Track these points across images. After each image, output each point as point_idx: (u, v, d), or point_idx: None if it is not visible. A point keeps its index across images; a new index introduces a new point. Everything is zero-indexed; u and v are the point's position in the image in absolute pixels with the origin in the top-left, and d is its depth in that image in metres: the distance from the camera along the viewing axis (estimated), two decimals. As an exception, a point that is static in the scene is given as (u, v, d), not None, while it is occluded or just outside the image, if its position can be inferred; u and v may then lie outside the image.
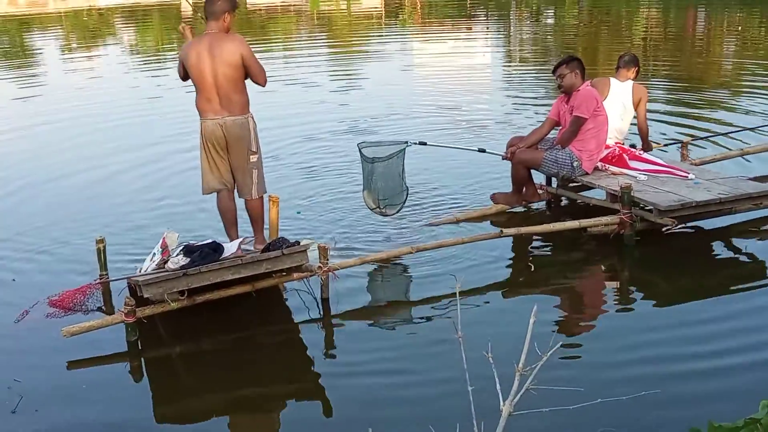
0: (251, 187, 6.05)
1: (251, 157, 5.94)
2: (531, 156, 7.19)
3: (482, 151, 7.41)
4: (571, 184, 7.46)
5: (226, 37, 5.84)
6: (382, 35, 23.35)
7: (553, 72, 7.26)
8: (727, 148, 8.95)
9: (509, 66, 17.36)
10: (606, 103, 7.35)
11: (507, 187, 7.56)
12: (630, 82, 7.67)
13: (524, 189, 7.41)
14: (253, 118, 5.96)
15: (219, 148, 5.98)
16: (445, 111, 11.87)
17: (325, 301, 5.75)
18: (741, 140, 9.35)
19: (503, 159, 7.34)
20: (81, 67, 18.42)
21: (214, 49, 5.81)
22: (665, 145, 8.58)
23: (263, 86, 5.96)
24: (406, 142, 7.02)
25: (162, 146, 10.33)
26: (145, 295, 5.26)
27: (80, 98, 14.14)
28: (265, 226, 6.30)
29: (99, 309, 5.74)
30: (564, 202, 7.72)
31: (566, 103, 7.20)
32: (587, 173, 7.15)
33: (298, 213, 7.42)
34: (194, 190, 7.15)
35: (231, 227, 6.26)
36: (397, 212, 7.01)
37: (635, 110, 7.71)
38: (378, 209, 6.99)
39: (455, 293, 5.34)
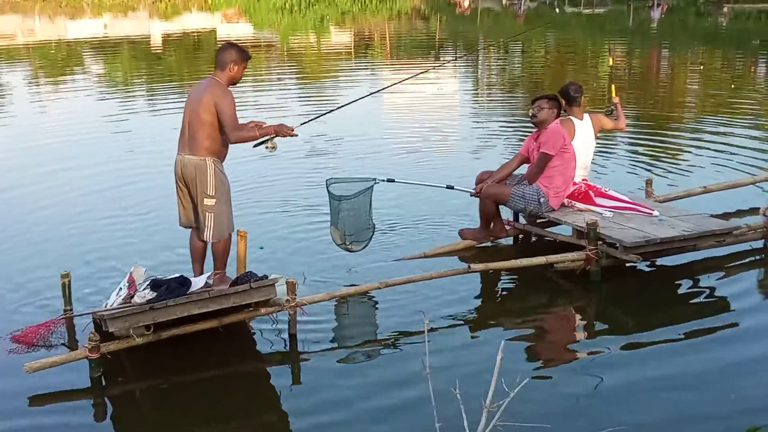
0: (205, 231, 5.94)
1: (206, 200, 5.84)
2: (499, 191, 7.25)
3: (450, 188, 7.47)
4: (538, 220, 7.51)
5: (215, 85, 5.87)
6: (351, 70, 23.50)
7: (533, 102, 7.34)
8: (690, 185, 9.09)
9: (477, 101, 17.56)
10: (574, 142, 7.44)
11: (475, 222, 7.60)
12: (587, 116, 7.79)
13: (492, 224, 7.44)
14: (215, 163, 5.82)
15: (181, 184, 5.99)
16: (413, 146, 11.94)
17: (293, 336, 5.73)
18: (705, 177, 9.51)
19: (472, 195, 7.39)
20: (48, 98, 18.30)
21: (200, 91, 5.89)
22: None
23: (231, 141, 5.85)
24: (374, 180, 7.05)
25: (132, 181, 10.26)
26: (110, 330, 5.21)
27: (47, 131, 14.01)
28: (229, 262, 6.28)
29: (63, 344, 5.67)
30: (532, 238, 7.77)
31: (535, 140, 7.29)
32: (554, 209, 7.21)
33: (261, 248, 7.39)
34: (164, 225, 7.15)
35: (195, 263, 6.20)
36: (363, 248, 7.02)
37: (596, 138, 7.84)
38: (344, 245, 7.00)
39: (424, 329, 5.34)
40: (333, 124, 12.53)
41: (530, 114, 7.34)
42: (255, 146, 6.07)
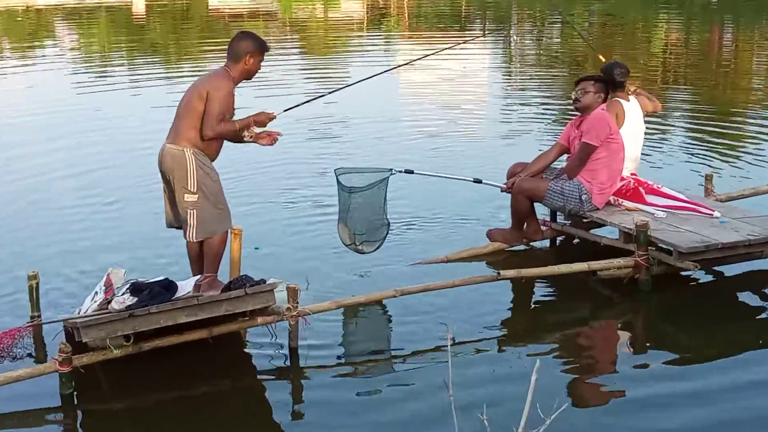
0: (187, 230, 6.02)
1: (186, 195, 5.92)
2: (534, 186, 7.24)
3: (478, 181, 7.46)
4: (579, 221, 7.50)
5: (221, 76, 6.00)
6: (363, 45, 23.52)
7: (576, 84, 7.33)
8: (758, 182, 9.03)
9: (510, 82, 17.53)
10: (623, 130, 7.42)
11: (505, 222, 7.58)
12: (633, 98, 7.77)
13: (525, 225, 7.44)
14: (197, 155, 5.90)
15: (163, 177, 6.10)
16: (434, 132, 11.94)
17: (294, 351, 5.73)
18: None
19: (503, 191, 7.38)
20: (14, 72, 18.40)
21: (203, 79, 6.06)
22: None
23: (205, 135, 5.92)
24: (390, 170, 7.05)
25: (111, 167, 10.30)
26: (84, 340, 5.22)
27: (13, 108, 14.10)
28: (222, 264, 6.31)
29: (29, 356, 5.68)
30: (572, 241, 7.75)
31: (577, 127, 7.27)
32: (597, 208, 7.19)
33: (257, 248, 7.40)
34: (148, 219, 7.16)
35: (193, 263, 6.25)
36: (375, 250, 7.02)
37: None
38: (353, 245, 7.00)
39: (446, 345, 5.34)
40: (341, 104, 12.58)
41: (573, 98, 7.32)
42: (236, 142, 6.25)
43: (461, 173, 8.13)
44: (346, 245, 7.02)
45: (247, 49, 6.04)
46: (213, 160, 6.10)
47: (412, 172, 7.50)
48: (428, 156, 10.55)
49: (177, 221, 6.21)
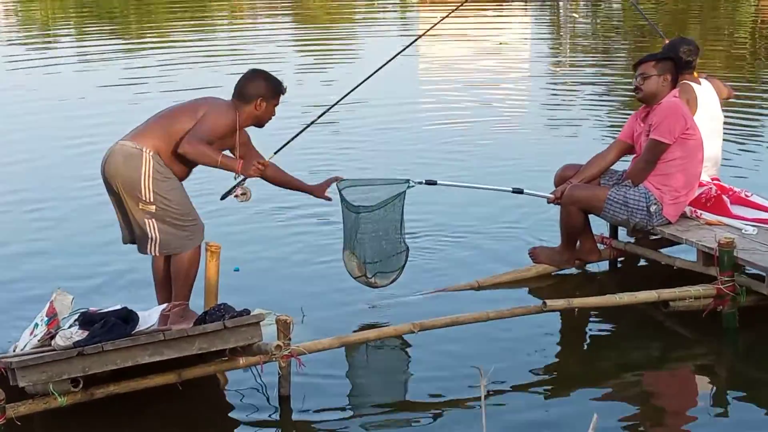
0: (148, 244, 6.12)
1: (141, 205, 6.04)
2: (589, 195, 7.21)
3: (519, 192, 7.44)
4: (646, 238, 7.49)
5: (227, 109, 6.22)
6: (372, 12, 23.59)
7: (635, 67, 7.31)
8: None
9: (557, 64, 17.53)
10: (696, 118, 7.40)
11: (553, 238, 7.58)
12: (704, 81, 7.75)
13: (578, 243, 7.43)
14: (155, 159, 6.00)
15: (108, 188, 6.22)
16: (462, 125, 11.96)
17: (285, 400, 5.73)
18: None
19: (549, 202, 7.35)
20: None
21: (205, 100, 6.35)
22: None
23: (181, 149, 6.05)
24: (407, 181, 7.03)
25: (54, 162, 10.37)
26: (20, 384, 5.21)
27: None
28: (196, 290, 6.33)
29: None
30: (638, 263, 7.75)
31: (643, 120, 7.25)
32: (670, 222, 7.16)
33: (236, 270, 7.43)
34: (102, 230, 7.18)
35: (159, 289, 6.33)
36: (392, 282, 7.01)
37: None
38: (364, 278, 6.98)
39: (478, 393, 5.32)
40: (345, 86, 12.58)
41: (633, 86, 7.31)
42: (222, 197, 6.54)
43: (496, 178, 8.14)
44: (355, 278, 7.00)
45: (257, 92, 6.23)
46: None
47: (435, 182, 7.43)
48: (454, 155, 10.56)
49: (127, 236, 6.29)
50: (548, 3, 24.20)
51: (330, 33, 20.49)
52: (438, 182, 7.43)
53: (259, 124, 6.36)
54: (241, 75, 6.38)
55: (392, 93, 13.53)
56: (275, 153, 6.63)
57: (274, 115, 6.39)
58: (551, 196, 7.31)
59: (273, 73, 6.44)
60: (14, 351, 5.64)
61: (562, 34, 20.84)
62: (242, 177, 6.31)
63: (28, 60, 16.66)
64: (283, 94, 6.38)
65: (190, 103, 6.34)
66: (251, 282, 7.39)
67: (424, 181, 7.24)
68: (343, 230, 7.03)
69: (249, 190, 6.41)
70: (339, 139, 11.65)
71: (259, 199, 9.10)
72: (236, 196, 6.40)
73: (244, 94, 6.26)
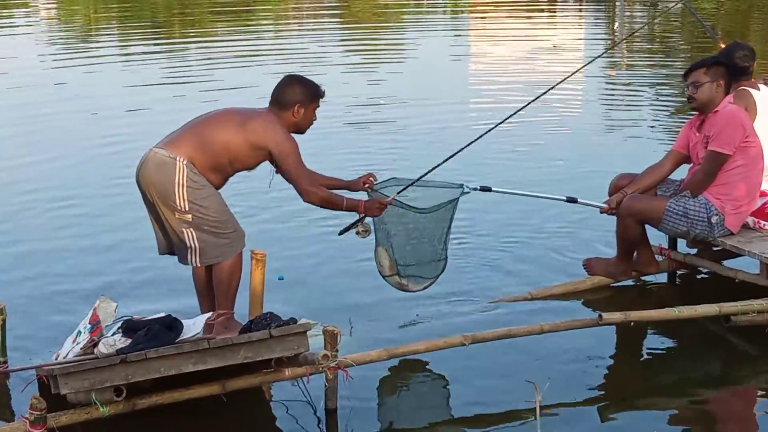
0: (188, 254, 6.14)
1: (177, 215, 6.06)
2: (648, 206, 7.16)
3: (573, 201, 7.41)
4: (707, 249, 7.44)
5: (275, 124, 6.16)
6: (418, 11, 23.62)
7: (685, 76, 7.26)
8: None
9: (613, 63, 17.44)
10: (756, 125, 7.33)
11: (608, 249, 7.51)
12: (763, 87, 7.66)
13: (635, 254, 7.38)
14: (189, 168, 6.01)
15: (144, 197, 6.23)
16: (514, 128, 11.92)
17: (331, 413, 5.71)
18: None
19: (602, 212, 7.30)
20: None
21: (249, 115, 6.20)
22: None
23: (305, 200, 6.21)
24: (461, 186, 6.98)
25: (100, 168, 10.44)
26: (62, 392, 5.23)
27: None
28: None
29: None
30: (698, 275, 7.71)
31: (698, 130, 7.19)
32: (732, 233, 7.10)
33: (281, 278, 7.44)
34: (146, 238, 7.18)
35: (201, 299, 6.35)
36: (424, 289, 6.96)
37: None
38: (396, 278, 6.91)
39: (532, 409, 5.28)
40: (393, 85, 12.64)
41: (686, 95, 7.25)
42: (341, 233, 6.59)
43: (548, 182, 8.09)
44: (385, 277, 6.92)
45: (295, 98, 6.23)
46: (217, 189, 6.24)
47: (489, 189, 7.37)
48: (504, 159, 10.54)
49: (165, 246, 6.32)
50: (603, 3, 24.10)
51: (378, 34, 20.53)
52: (492, 189, 7.38)
53: (299, 130, 6.32)
54: (279, 82, 6.36)
55: (443, 93, 13.55)
56: (399, 192, 6.58)
57: (315, 119, 6.37)
58: (605, 206, 7.26)
59: (312, 78, 6.42)
60: (56, 359, 5.67)
61: (617, 36, 20.72)
62: (362, 215, 6.38)
63: (68, 59, 16.83)
64: (321, 97, 6.37)
65: (231, 114, 6.27)
66: (296, 291, 7.39)
67: (478, 187, 7.19)
68: (376, 225, 6.88)
69: (369, 226, 6.49)
70: (387, 138, 11.69)
71: (304, 207, 9.15)
72: (357, 233, 6.47)
73: (281, 102, 6.25)
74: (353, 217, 6.46)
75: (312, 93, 6.29)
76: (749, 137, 7.05)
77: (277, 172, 6.27)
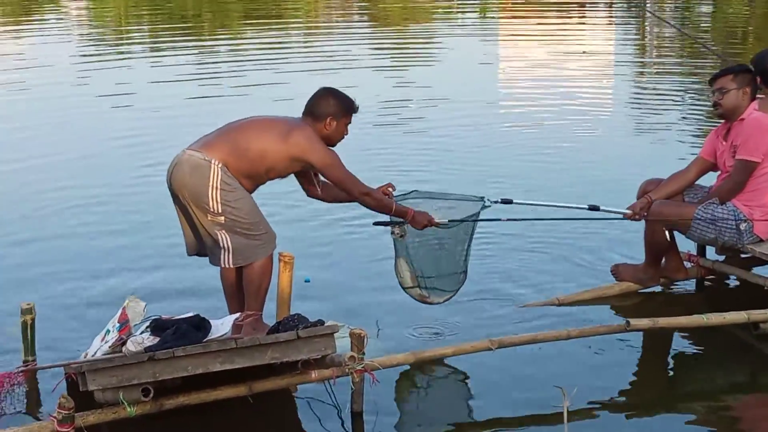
0: (221, 254, 6.19)
1: (210, 217, 6.11)
2: (676, 212, 7.14)
3: (595, 209, 7.39)
4: (736, 256, 7.42)
5: (312, 136, 6.20)
6: (450, 13, 23.59)
7: (711, 82, 7.25)
8: None
9: (642, 70, 17.39)
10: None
11: (636, 255, 7.52)
12: None
13: (664, 260, 7.37)
14: (223, 171, 6.05)
15: (174, 199, 6.29)
16: (539, 132, 11.95)
17: (358, 416, 5.72)
18: None
19: (626, 217, 7.25)
20: (5, 44, 18.84)
21: (289, 126, 6.21)
22: None
23: (364, 202, 6.34)
24: (482, 199, 6.97)
25: (129, 168, 10.51)
26: (90, 388, 5.25)
27: (4, 98, 14.44)
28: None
29: (20, 412, 5.74)
30: (727, 282, 7.67)
31: (724, 138, 7.17)
32: (761, 240, 7.08)
33: (307, 281, 7.47)
34: (176, 237, 7.23)
35: (230, 300, 6.40)
36: (444, 302, 6.93)
37: None
38: (417, 289, 6.90)
39: (560, 414, 5.28)
40: (421, 87, 12.57)
41: (711, 102, 7.23)
42: (376, 224, 6.72)
43: (575, 189, 8.05)
44: (405, 288, 6.90)
45: (328, 110, 6.27)
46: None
47: (510, 201, 7.32)
48: (528, 170, 10.53)
49: (203, 248, 6.35)
50: (633, 7, 24.02)
51: (407, 35, 20.54)
52: (514, 201, 7.35)
53: (330, 143, 6.32)
54: (313, 93, 6.40)
55: (471, 93, 13.55)
56: (450, 221, 6.62)
57: (346, 134, 6.40)
58: (629, 212, 7.21)
59: (344, 88, 6.46)
60: (85, 358, 5.71)
61: (647, 43, 20.67)
62: (406, 221, 6.43)
63: (97, 58, 16.93)
64: (355, 112, 6.41)
65: (271, 123, 6.31)
66: (323, 293, 7.41)
67: (500, 200, 7.16)
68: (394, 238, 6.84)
69: (407, 232, 6.52)
70: (415, 139, 11.69)
71: (329, 207, 9.19)
72: (393, 232, 6.55)
73: (314, 113, 6.29)
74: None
75: (345, 107, 6.33)
76: (776, 144, 7.04)
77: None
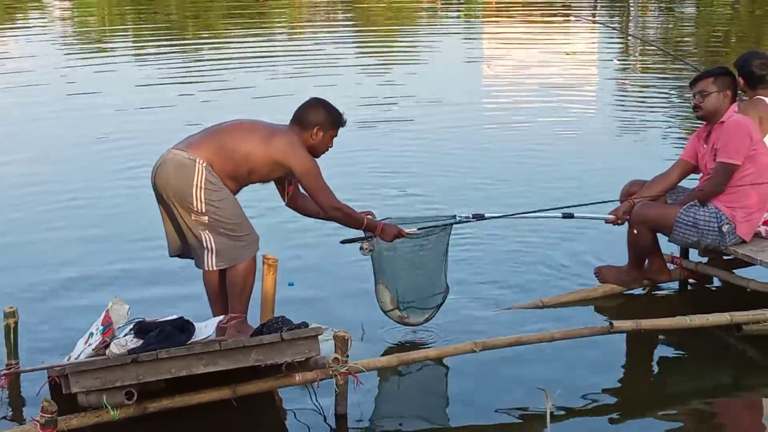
0: (205, 255, 6.19)
1: (194, 216, 6.11)
2: (659, 213, 7.16)
3: (569, 216, 7.39)
4: (718, 258, 7.44)
5: (296, 142, 6.22)
6: (434, 17, 23.63)
7: (691, 85, 7.27)
8: None
9: (625, 71, 17.44)
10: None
11: (619, 257, 7.56)
12: None
13: (647, 262, 7.40)
14: (207, 170, 6.06)
15: (158, 198, 6.28)
16: (520, 142, 11.99)
17: (341, 419, 5.73)
18: None
19: (608, 222, 7.30)
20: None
21: (272, 132, 6.24)
22: None
23: (324, 215, 6.36)
24: (453, 217, 7.00)
25: (112, 170, 10.49)
26: (74, 390, 5.23)
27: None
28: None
29: (3, 417, 5.76)
30: (710, 284, 7.70)
31: (705, 141, 7.19)
32: (744, 241, 7.11)
33: (290, 284, 7.45)
34: (159, 239, 7.24)
35: (213, 304, 6.42)
36: (425, 321, 6.93)
37: None
38: (397, 312, 6.91)
39: (543, 416, 5.31)
40: (405, 87, 12.52)
41: (692, 104, 7.26)
42: (344, 242, 6.77)
43: (555, 192, 8.02)
44: (386, 312, 6.90)
45: (316, 120, 6.29)
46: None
47: (482, 216, 7.33)
48: (512, 166, 10.62)
49: (186, 249, 6.35)
50: (617, 9, 24.10)
51: (391, 36, 20.56)
52: (486, 215, 7.35)
53: (314, 153, 6.33)
54: (303, 102, 6.42)
55: (455, 95, 13.58)
56: (420, 229, 6.69)
57: (330, 146, 6.41)
58: (611, 217, 7.25)
59: (333, 104, 6.45)
60: (68, 361, 5.70)
61: (630, 46, 20.73)
62: (374, 236, 6.46)
63: (80, 58, 16.92)
64: (342, 125, 6.42)
65: (256, 127, 6.33)
66: (307, 296, 7.41)
67: (471, 216, 7.18)
68: (374, 261, 6.86)
69: (375, 246, 6.54)
70: (396, 141, 11.77)
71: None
72: (362, 248, 6.55)
73: (302, 121, 6.31)
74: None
75: (333, 119, 6.35)
76: (756, 144, 7.06)
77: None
